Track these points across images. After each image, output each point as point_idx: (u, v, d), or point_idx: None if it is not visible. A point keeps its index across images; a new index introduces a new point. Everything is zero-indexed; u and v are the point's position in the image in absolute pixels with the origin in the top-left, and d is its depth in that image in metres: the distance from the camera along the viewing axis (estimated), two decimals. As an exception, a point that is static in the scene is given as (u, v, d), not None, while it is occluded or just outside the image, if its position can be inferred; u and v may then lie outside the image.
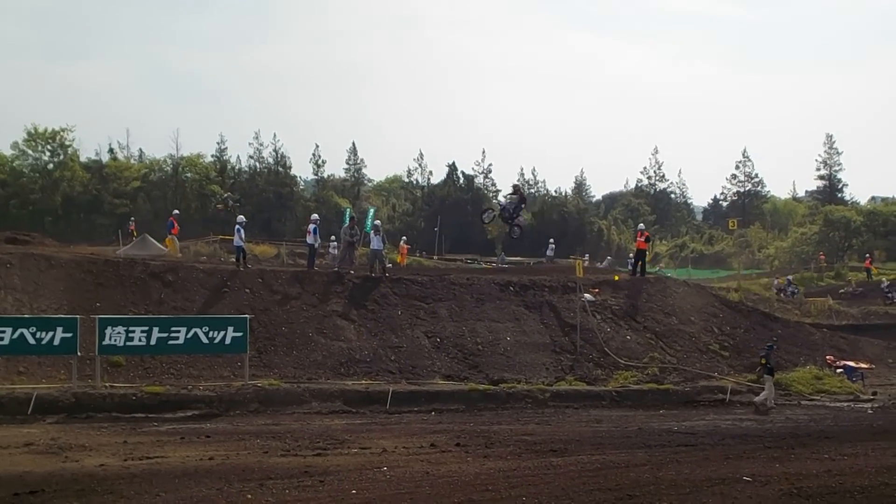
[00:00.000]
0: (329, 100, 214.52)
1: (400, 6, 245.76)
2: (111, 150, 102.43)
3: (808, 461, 15.87)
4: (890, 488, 13.27)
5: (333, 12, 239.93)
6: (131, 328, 23.84)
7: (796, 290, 56.44)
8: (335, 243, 49.27)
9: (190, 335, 24.26)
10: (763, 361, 26.43)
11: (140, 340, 23.88)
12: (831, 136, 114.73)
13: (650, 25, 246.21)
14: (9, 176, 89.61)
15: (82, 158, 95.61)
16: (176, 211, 49.43)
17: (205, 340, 24.38)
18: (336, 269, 33.67)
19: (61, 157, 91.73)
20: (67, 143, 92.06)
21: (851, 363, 32.43)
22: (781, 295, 52.88)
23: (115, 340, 23.55)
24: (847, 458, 16.27)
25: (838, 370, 31.48)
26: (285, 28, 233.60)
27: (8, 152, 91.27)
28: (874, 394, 29.07)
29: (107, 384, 23.15)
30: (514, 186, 41.64)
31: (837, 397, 28.46)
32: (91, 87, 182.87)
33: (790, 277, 61.24)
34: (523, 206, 38.58)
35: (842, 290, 58.57)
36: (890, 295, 53.75)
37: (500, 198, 37.67)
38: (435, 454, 16.32)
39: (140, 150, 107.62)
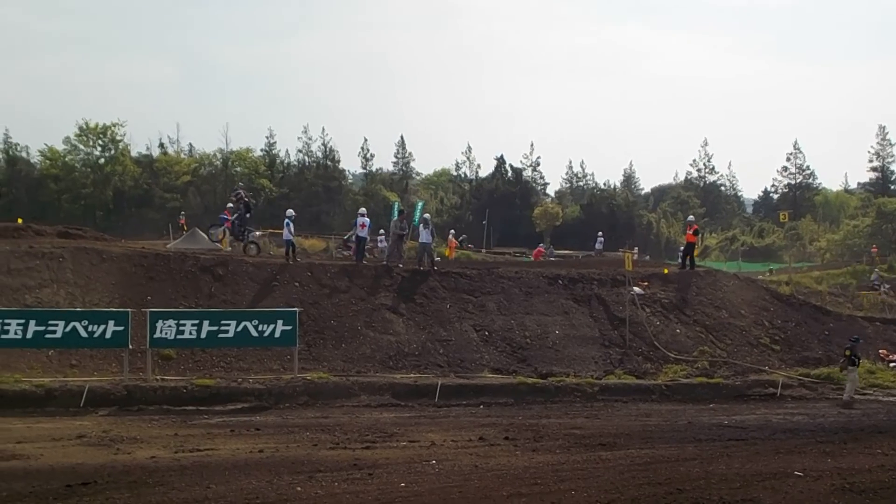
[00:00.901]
0: (376, 94, 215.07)
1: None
2: (161, 145, 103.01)
3: (860, 456, 15.70)
4: (945, 484, 13.09)
5: (377, 5, 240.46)
6: (182, 321, 24.08)
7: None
8: (384, 237, 49.32)
9: (240, 328, 24.46)
10: (847, 353, 26.23)
11: (190, 334, 24.13)
12: (884, 128, 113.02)
13: (698, 17, 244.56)
14: (61, 171, 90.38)
15: (133, 153, 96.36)
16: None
17: (254, 334, 24.57)
18: (385, 262, 33.72)
19: (112, 151, 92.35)
20: (118, 137, 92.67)
21: (905, 357, 32.04)
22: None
23: (166, 334, 23.80)
24: (901, 453, 16.08)
25: (892, 364, 31.11)
26: (331, 21, 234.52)
27: (60, 147, 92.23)
28: (929, 388, 28.65)
29: (158, 377, 23.37)
30: (235, 194, 38.74)
31: (891, 392, 28.08)
32: (141, 82, 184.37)
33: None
34: (248, 215, 36.95)
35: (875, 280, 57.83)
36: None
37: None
38: (483, 448, 16.32)
39: (190, 144, 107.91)
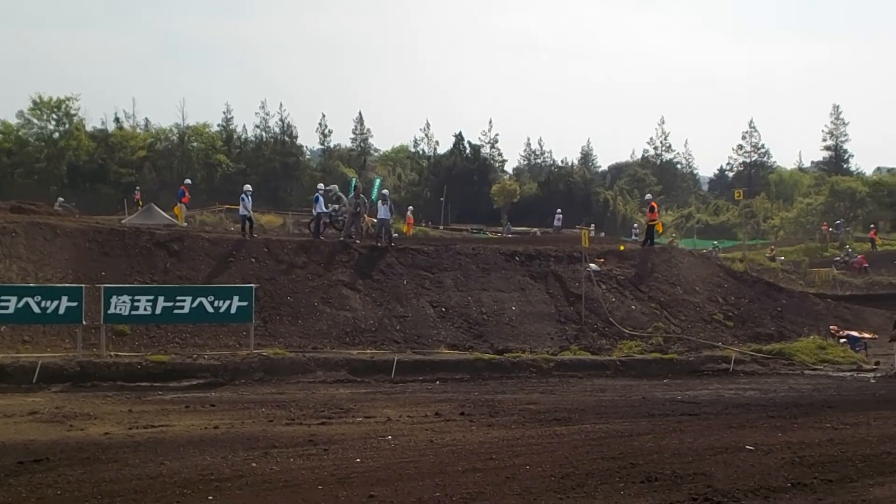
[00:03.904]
0: (334, 70, 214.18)
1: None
2: (117, 120, 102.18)
3: (810, 430, 15.86)
4: (892, 457, 13.24)
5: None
6: (136, 297, 23.84)
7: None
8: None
9: (195, 304, 24.27)
10: None
11: (145, 309, 23.88)
12: (838, 107, 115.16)
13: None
14: (14, 145, 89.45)
15: (88, 128, 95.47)
16: (188, 180, 49.22)
17: (210, 310, 24.40)
18: (342, 238, 33.65)
19: (67, 126, 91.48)
20: (73, 112, 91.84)
21: (855, 333, 32.46)
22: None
23: (121, 309, 23.53)
24: (850, 427, 16.25)
25: (842, 340, 31.50)
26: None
27: (13, 121, 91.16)
28: (877, 363, 28.90)
29: (112, 353, 23.16)
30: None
31: (840, 367, 28.36)
32: (97, 56, 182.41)
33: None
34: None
35: (836, 259, 58.83)
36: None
37: None
38: (439, 423, 16.35)
39: (146, 119, 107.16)
